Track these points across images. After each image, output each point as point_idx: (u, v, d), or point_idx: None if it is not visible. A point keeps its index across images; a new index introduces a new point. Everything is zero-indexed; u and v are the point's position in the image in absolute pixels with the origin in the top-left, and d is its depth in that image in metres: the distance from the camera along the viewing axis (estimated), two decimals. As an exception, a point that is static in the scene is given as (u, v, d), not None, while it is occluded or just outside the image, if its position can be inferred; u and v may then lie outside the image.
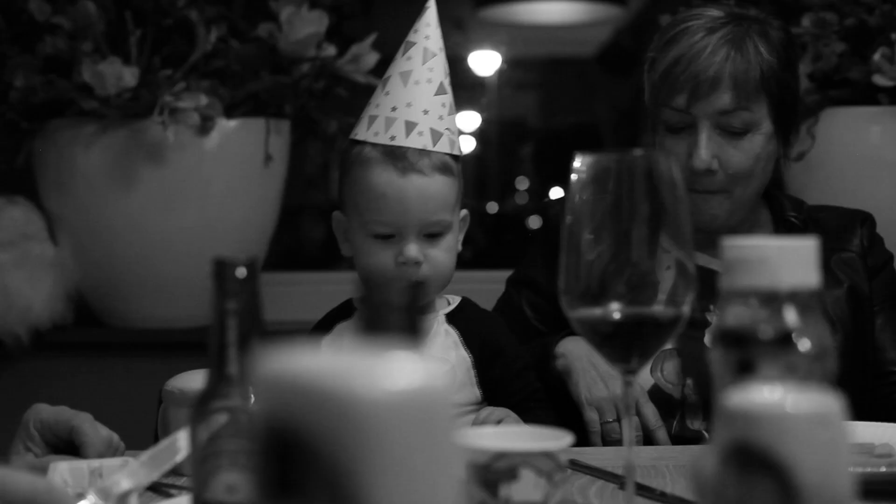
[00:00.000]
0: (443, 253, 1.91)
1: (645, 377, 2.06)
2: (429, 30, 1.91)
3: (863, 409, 1.96)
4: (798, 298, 1.02)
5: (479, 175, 5.00)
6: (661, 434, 1.99)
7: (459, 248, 1.98)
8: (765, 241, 1.04)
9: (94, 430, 1.57)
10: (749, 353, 0.98)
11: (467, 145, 4.75)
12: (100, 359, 3.05)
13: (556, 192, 4.19)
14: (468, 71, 4.52)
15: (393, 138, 1.86)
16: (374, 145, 1.88)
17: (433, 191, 1.88)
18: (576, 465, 1.67)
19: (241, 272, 1.11)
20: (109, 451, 1.58)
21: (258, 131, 2.90)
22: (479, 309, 2.05)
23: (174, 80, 2.74)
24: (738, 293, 1.03)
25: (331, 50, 2.90)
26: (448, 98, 1.90)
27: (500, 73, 4.59)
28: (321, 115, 2.93)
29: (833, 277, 2.15)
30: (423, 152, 1.86)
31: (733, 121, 2.05)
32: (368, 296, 0.78)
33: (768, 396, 0.87)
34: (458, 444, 0.60)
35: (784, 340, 0.99)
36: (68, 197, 2.88)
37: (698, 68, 2.03)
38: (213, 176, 2.88)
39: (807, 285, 1.03)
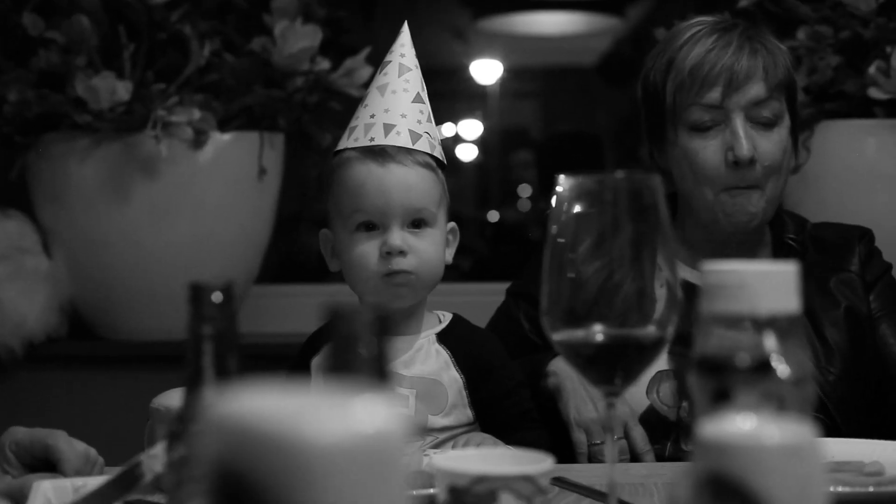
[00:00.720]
0: (429, 245, 1.88)
1: (640, 398, 2.04)
2: (404, 49, 1.93)
3: (863, 429, 1.94)
4: (777, 324, 1.01)
5: (481, 183, 5.00)
6: (649, 458, 1.97)
7: (449, 260, 1.96)
8: (744, 266, 1.02)
9: (69, 446, 1.56)
10: (726, 381, 0.97)
11: (469, 153, 4.74)
12: (93, 371, 3.05)
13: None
14: (470, 80, 4.52)
15: (372, 139, 1.86)
16: (355, 149, 1.88)
17: (414, 179, 1.86)
18: (562, 483, 1.66)
19: (218, 296, 1.10)
20: (87, 466, 1.57)
21: (252, 145, 2.90)
22: (471, 327, 2.01)
23: (167, 94, 2.74)
24: (716, 319, 1.02)
25: (324, 64, 2.90)
26: (426, 108, 1.90)
27: (502, 82, 4.59)
28: (315, 129, 2.93)
29: (832, 299, 2.13)
30: (402, 149, 1.86)
31: (764, 111, 2.06)
32: (334, 326, 0.77)
33: (741, 427, 0.86)
34: (409, 489, 0.58)
35: (762, 367, 0.98)
36: (62, 210, 2.88)
37: (731, 60, 2.05)
38: (206, 189, 2.88)
39: (786, 311, 1.02)
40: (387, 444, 0.58)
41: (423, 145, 1.87)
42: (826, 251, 2.17)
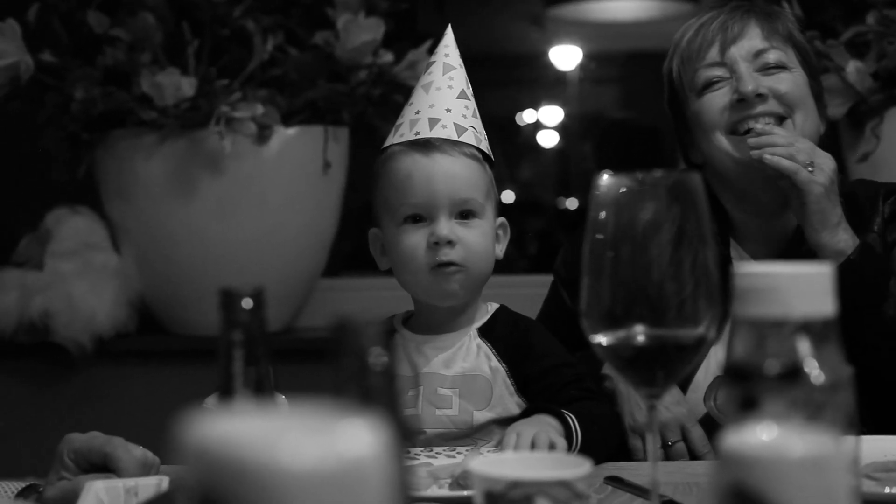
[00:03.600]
0: (478, 236, 1.86)
1: (697, 405, 2.01)
2: (447, 49, 1.94)
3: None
4: (811, 328, 0.98)
5: (562, 170, 4.98)
6: (709, 459, 1.94)
7: (500, 255, 1.94)
8: (777, 268, 1.00)
9: (126, 453, 1.57)
10: (755, 389, 0.95)
11: (550, 140, 4.73)
12: (162, 366, 3.08)
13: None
14: (549, 66, 4.50)
15: (417, 133, 1.86)
16: (401, 143, 1.88)
17: (460, 169, 1.85)
18: (616, 483, 1.64)
19: (248, 303, 1.10)
20: (144, 471, 1.58)
21: (316, 139, 2.91)
22: (514, 316, 1.97)
23: (231, 90, 2.75)
24: (748, 323, 0.99)
25: (388, 56, 2.90)
26: (471, 104, 1.90)
27: (581, 67, 4.56)
28: (379, 122, 2.92)
29: None
30: (447, 140, 1.85)
31: (769, 56, 2.07)
32: (338, 340, 0.75)
33: (763, 438, 0.84)
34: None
35: (793, 374, 0.95)
36: (130, 206, 2.91)
37: (723, 20, 2.08)
38: (271, 184, 2.89)
39: (821, 314, 0.99)
40: (366, 469, 0.57)
41: (468, 138, 1.86)
42: (855, 209, 2.12)
